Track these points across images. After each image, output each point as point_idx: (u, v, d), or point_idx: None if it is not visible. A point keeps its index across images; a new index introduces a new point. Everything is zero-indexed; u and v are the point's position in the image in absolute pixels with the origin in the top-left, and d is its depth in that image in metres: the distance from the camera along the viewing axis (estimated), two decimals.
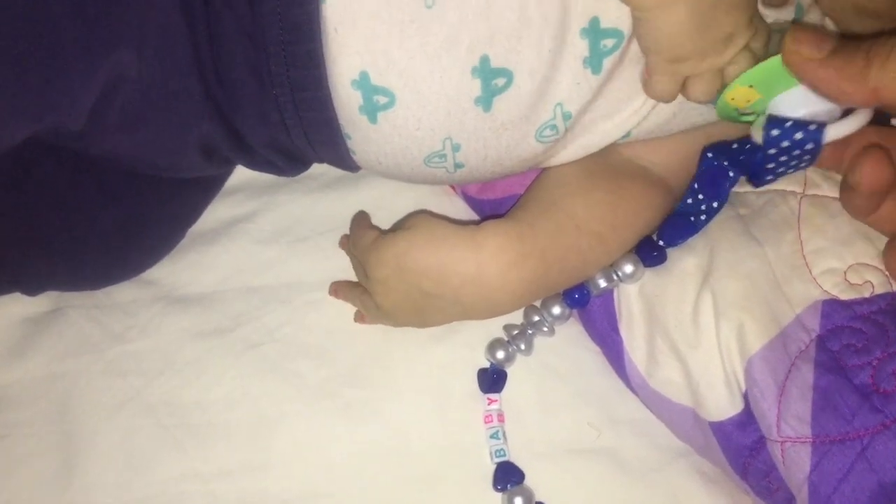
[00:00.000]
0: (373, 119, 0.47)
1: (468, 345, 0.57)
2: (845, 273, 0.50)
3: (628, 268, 0.54)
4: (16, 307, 0.57)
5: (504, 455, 0.55)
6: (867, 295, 0.50)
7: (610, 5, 0.45)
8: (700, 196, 0.52)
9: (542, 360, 0.57)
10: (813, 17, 0.49)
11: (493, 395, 0.56)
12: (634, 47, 0.47)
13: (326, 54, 0.46)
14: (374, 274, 0.52)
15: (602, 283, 0.54)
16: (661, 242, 0.54)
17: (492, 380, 0.56)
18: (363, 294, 0.55)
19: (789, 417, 0.47)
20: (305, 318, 0.57)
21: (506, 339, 0.57)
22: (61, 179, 0.53)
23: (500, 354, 0.56)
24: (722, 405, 0.51)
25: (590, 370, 0.57)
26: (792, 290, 0.51)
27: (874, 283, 0.50)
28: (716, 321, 0.51)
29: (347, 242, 0.59)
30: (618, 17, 0.45)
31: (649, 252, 0.54)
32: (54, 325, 0.56)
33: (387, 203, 0.60)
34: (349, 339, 0.57)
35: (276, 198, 0.61)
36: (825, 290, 0.50)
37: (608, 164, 0.54)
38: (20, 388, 0.55)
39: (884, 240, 0.50)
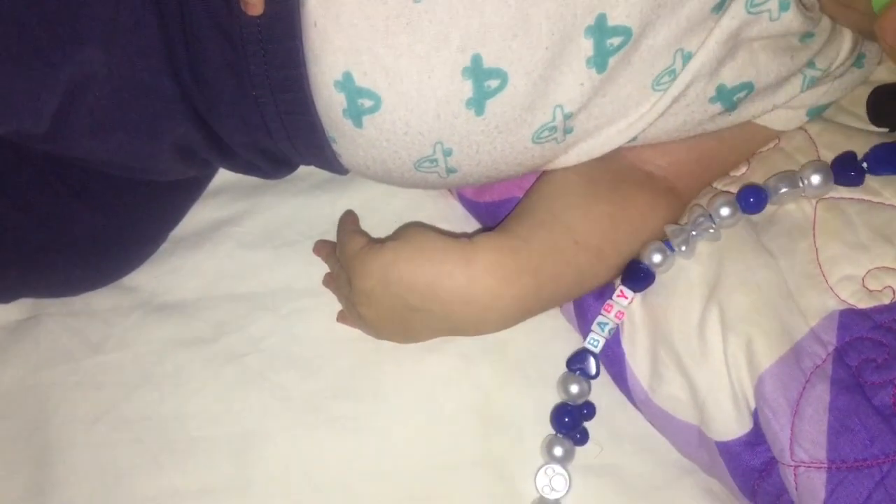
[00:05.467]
0: (358, 123, 0.45)
1: (463, 355, 0.54)
2: (863, 279, 0.47)
3: (816, 178, 0.49)
4: None
5: (596, 346, 0.51)
6: (887, 302, 0.47)
7: (619, 0, 0.42)
8: None
9: (541, 370, 0.54)
10: None
11: (627, 291, 0.51)
12: (643, 46, 0.44)
13: (308, 53, 0.43)
14: (359, 285, 0.49)
15: (783, 189, 0.49)
16: (864, 164, 0.49)
17: (637, 276, 0.50)
18: (347, 299, 0.53)
19: (803, 440, 0.44)
20: (292, 327, 0.55)
21: (665, 240, 0.50)
22: (32, 183, 0.50)
23: (657, 258, 0.50)
24: (729, 424, 0.48)
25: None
26: (806, 302, 0.48)
27: (895, 287, 0.47)
28: (723, 335, 0.48)
29: (324, 248, 0.56)
30: (627, 15, 0.42)
31: (846, 171, 0.49)
32: (29, 334, 0.54)
33: (379, 205, 0.58)
34: (337, 349, 0.54)
35: (264, 199, 0.58)
36: (842, 300, 0.47)
37: (611, 170, 0.51)
38: None
39: None
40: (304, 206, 0.58)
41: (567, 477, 0.51)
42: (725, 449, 0.48)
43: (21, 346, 0.54)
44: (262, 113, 0.46)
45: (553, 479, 0.51)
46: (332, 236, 0.57)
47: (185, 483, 0.51)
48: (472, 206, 0.58)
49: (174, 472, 0.51)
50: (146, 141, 0.47)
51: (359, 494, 0.52)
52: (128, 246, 0.55)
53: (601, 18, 0.42)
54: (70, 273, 0.53)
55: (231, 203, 0.58)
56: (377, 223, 0.56)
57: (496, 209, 0.56)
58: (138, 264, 0.55)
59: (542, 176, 0.53)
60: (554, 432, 0.53)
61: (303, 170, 0.56)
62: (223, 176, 0.58)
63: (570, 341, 0.54)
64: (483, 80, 0.43)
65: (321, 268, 0.56)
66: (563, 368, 0.53)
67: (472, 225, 0.58)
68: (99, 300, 0.55)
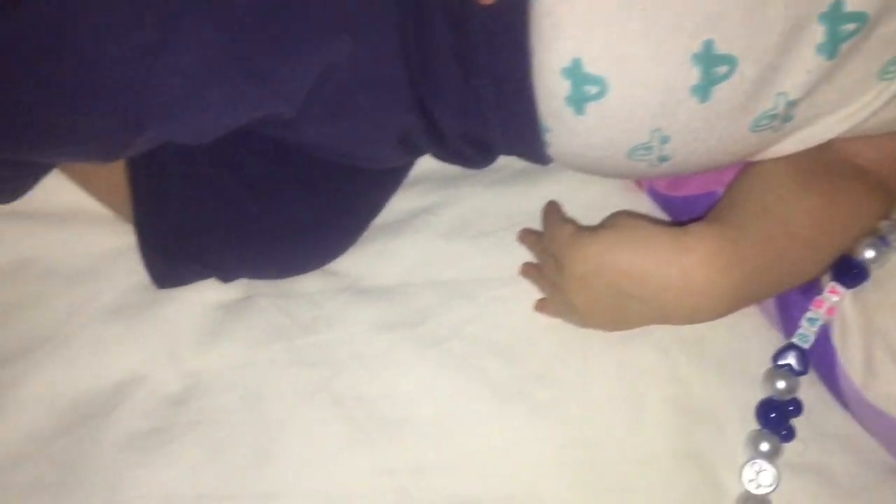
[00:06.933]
0: (579, 110, 0.45)
1: (660, 349, 0.54)
2: None
3: None
4: (210, 293, 0.57)
5: (805, 342, 0.50)
6: None
7: None
8: None
9: (740, 367, 0.54)
10: None
11: (839, 287, 0.50)
12: (876, 34, 0.43)
13: (536, 40, 0.44)
14: (573, 270, 0.50)
15: None
16: None
17: (849, 272, 0.49)
18: (554, 286, 0.53)
19: None
20: (491, 315, 0.56)
21: (878, 235, 0.49)
22: (262, 169, 0.53)
23: (870, 253, 0.49)
24: None
25: None
26: None
27: None
28: None
29: (529, 236, 0.57)
30: (865, 0, 0.41)
31: None
32: (245, 313, 0.57)
33: (570, 198, 0.58)
34: (536, 337, 0.55)
35: (458, 191, 0.60)
36: None
37: (822, 162, 0.50)
38: (215, 375, 0.55)
39: None
40: (496, 198, 0.59)
41: (775, 473, 0.50)
42: None
43: (238, 324, 0.57)
44: (481, 102, 0.47)
45: (760, 475, 0.51)
46: (524, 226, 0.58)
47: (398, 462, 0.52)
48: (665, 201, 0.58)
49: (387, 451, 0.53)
50: (375, 128, 0.49)
51: (559, 480, 0.52)
52: (340, 231, 0.57)
53: (837, 4, 0.42)
54: (287, 255, 0.56)
55: (427, 193, 0.60)
56: (568, 214, 0.57)
57: (693, 203, 0.56)
58: (347, 248, 0.57)
59: (748, 168, 0.52)
60: (758, 427, 0.52)
61: (495, 162, 0.58)
62: (420, 166, 0.60)
63: (768, 339, 0.54)
64: (712, 67, 0.43)
65: (516, 257, 0.57)
66: (761, 366, 0.53)
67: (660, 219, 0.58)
68: (305, 283, 0.57)
